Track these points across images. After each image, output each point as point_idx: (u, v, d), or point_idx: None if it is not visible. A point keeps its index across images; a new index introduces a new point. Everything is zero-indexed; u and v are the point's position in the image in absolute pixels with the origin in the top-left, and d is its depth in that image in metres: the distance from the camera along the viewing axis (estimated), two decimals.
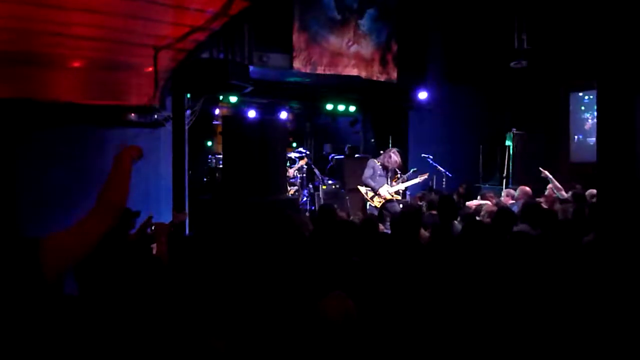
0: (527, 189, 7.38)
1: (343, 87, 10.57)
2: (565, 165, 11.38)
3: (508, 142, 10.97)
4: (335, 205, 6.09)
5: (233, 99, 9.98)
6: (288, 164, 9.56)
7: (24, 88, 5.99)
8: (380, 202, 8.11)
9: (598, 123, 3.48)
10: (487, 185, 10.91)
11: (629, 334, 2.98)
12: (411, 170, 8.81)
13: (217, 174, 9.61)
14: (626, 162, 3.20)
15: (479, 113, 11.89)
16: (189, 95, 7.98)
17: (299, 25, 9.31)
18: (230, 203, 6.91)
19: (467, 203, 7.58)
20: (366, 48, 10.16)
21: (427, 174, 8.68)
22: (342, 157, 11.90)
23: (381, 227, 5.59)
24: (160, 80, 6.69)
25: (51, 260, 1.78)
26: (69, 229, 1.88)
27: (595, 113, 10.72)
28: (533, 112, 11.81)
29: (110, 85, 6.66)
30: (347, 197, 10.25)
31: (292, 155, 10.42)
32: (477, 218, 6.03)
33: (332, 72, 9.76)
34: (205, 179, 10.19)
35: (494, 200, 7.43)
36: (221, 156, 8.67)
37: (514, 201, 7.31)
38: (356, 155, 11.81)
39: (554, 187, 7.71)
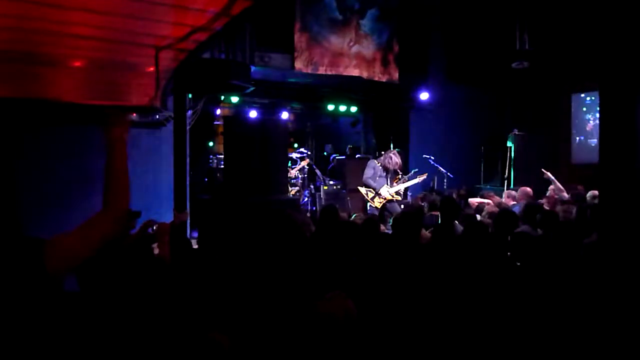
0: (528, 189, 7.38)
1: (344, 88, 10.56)
2: (566, 167, 11.37)
3: (509, 143, 10.95)
4: (337, 206, 6.08)
5: (234, 99, 9.98)
6: (290, 165, 9.55)
7: (25, 88, 5.99)
8: (380, 202, 8.11)
9: (600, 124, 3.47)
10: (488, 186, 10.90)
11: (630, 335, 2.97)
12: (412, 172, 8.81)
13: (218, 174, 9.61)
14: (629, 163, 3.19)
15: (481, 114, 11.88)
16: (190, 96, 7.98)
17: (301, 25, 9.31)
18: (231, 203, 6.91)
19: (470, 200, 7.58)
20: (367, 48, 10.16)
21: (426, 174, 8.68)
22: (344, 157, 11.90)
23: (382, 227, 5.59)
24: (162, 80, 6.68)
25: (56, 260, 1.78)
26: (73, 231, 1.88)
27: (597, 114, 10.76)
28: (534, 113, 11.80)
29: (111, 85, 6.66)
30: (348, 198, 10.25)
31: (294, 155, 10.41)
32: (478, 218, 6.04)
33: (333, 73, 9.76)
34: (206, 179, 10.20)
35: (496, 201, 7.42)
36: (222, 156, 8.67)
37: (514, 202, 7.31)
38: (357, 156, 11.81)
39: (556, 189, 7.70)
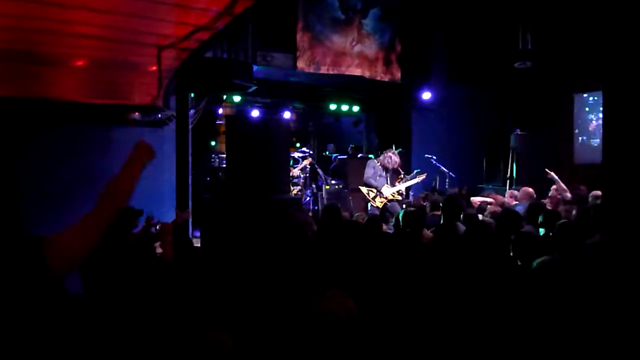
0: (530, 189, 7.37)
1: (346, 87, 10.57)
2: (568, 167, 11.36)
3: (512, 143, 10.94)
4: (339, 205, 6.08)
5: (237, 98, 9.99)
6: (292, 164, 9.55)
7: (28, 87, 6.00)
8: (382, 202, 8.12)
9: (604, 124, 3.46)
10: (490, 186, 10.90)
11: (633, 335, 2.96)
12: (414, 172, 8.80)
13: (220, 174, 9.62)
14: (632, 163, 3.18)
15: (483, 113, 11.87)
16: (192, 95, 7.98)
17: (303, 24, 9.31)
18: (233, 202, 6.91)
19: (472, 198, 7.58)
20: (370, 48, 10.15)
21: (425, 174, 8.66)
22: (346, 157, 11.90)
23: (384, 227, 5.59)
24: (164, 79, 6.68)
25: (56, 259, 1.78)
26: (71, 227, 1.87)
27: (600, 114, 10.75)
28: (537, 113, 11.78)
29: (113, 85, 6.66)
30: (350, 197, 10.25)
31: (296, 155, 10.41)
32: (480, 217, 6.03)
33: (335, 72, 9.75)
34: (208, 179, 10.20)
35: (498, 200, 7.41)
36: (224, 156, 8.67)
37: (516, 202, 7.30)
38: (359, 155, 11.80)
39: (559, 189, 7.69)
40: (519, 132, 11.01)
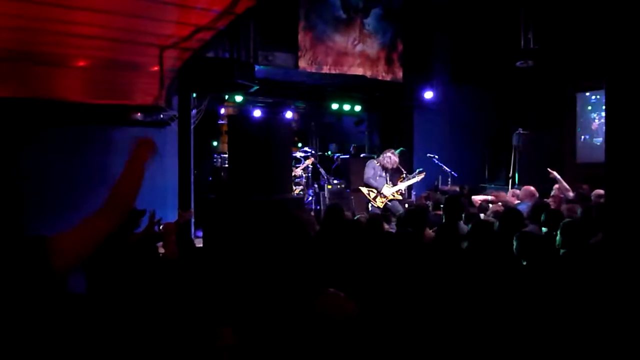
0: (532, 188, 7.36)
1: (348, 87, 10.56)
2: (571, 166, 11.34)
3: (514, 142, 10.92)
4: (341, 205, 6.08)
5: (238, 98, 9.99)
6: (294, 164, 9.55)
7: (30, 87, 6.01)
8: (383, 202, 8.12)
9: (606, 123, 3.45)
10: (492, 185, 10.89)
11: (636, 335, 2.96)
12: (417, 171, 8.80)
13: (222, 173, 9.62)
14: (635, 162, 3.18)
15: (485, 113, 11.86)
16: (194, 95, 7.99)
17: (305, 24, 9.30)
18: (235, 202, 6.91)
19: (473, 198, 7.57)
20: (371, 47, 10.14)
21: (424, 173, 8.64)
22: (348, 156, 11.90)
23: (385, 226, 5.59)
24: (166, 79, 6.70)
25: (59, 258, 1.78)
26: (76, 227, 1.88)
27: (602, 113, 10.74)
28: (539, 112, 11.76)
29: (115, 85, 6.68)
30: (352, 197, 10.25)
31: (298, 154, 10.41)
32: (482, 217, 6.03)
33: (337, 72, 9.74)
34: (210, 178, 10.21)
35: (501, 197, 7.41)
36: (226, 155, 8.67)
37: (518, 201, 7.29)
38: (361, 155, 11.79)
39: (562, 188, 7.68)
40: (521, 131, 10.98)
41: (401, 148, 9.33)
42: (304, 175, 10.13)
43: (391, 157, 8.23)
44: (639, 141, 3.14)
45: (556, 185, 7.81)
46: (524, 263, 3.96)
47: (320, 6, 9.46)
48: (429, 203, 7.20)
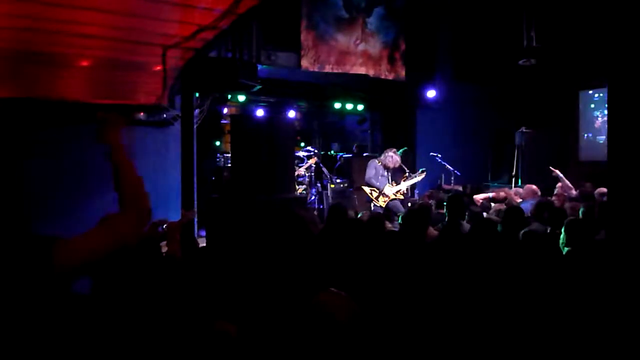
0: (534, 187, 7.36)
1: (351, 86, 10.55)
2: (574, 164, 11.33)
3: (517, 141, 10.91)
4: (344, 204, 6.09)
5: (241, 98, 10.00)
6: (297, 163, 9.56)
7: (33, 87, 6.03)
8: (385, 201, 8.12)
9: (609, 121, 3.45)
10: (495, 184, 10.88)
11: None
12: (420, 170, 8.79)
13: (225, 173, 9.63)
14: (637, 160, 3.17)
15: (488, 111, 11.84)
16: (197, 95, 8.00)
17: (307, 23, 9.31)
18: (238, 201, 6.92)
19: (474, 197, 7.56)
20: (374, 46, 10.14)
21: (425, 172, 8.63)
22: (350, 155, 11.90)
23: (388, 225, 5.59)
24: (169, 79, 6.71)
25: (63, 259, 1.78)
26: (89, 232, 1.87)
27: (605, 111, 10.71)
28: (542, 111, 11.75)
29: (118, 85, 6.69)
30: (354, 196, 10.26)
31: (301, 154, 10.42)
32: (485, 216, 6.02)
33: (340, 71, 9.75)
34: (213, 178, 10.22)
35: (502, 195, 7.40)
36: (229, 155, 8.68)
37: (521, 200, 7.28)
38: (364, 154, 11.80)
39: (565, 187, 7.68)
40: (524, 130, 10.98)
41: (404, 147, 9.33)
42: (306, 174, 10.14)
43: (392, 157, 8.23)
44: None
45: (559, 184, 7.81)
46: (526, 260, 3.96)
47: (323, 5, 9.47)
48: (432, 202, 7.20)
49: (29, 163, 6.56)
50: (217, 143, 11.87)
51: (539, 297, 3.32)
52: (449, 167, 9.77)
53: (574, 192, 7.49)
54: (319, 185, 10.44)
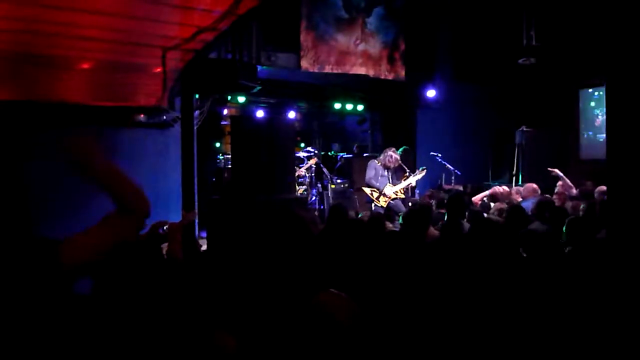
0: (534, 185, 7.36)
1: (351, 86, 10.55)
2: (575, 163, 11.31)
3: (517, 140, 10.90)
4: (345, 204, 6.09)
5: (241, 99, 10.00)
6: (297, 164, 9.56)
7: (33, 90, 6.03)
8: (386, 201, 8.12)
9: (607, 119, 3.45)
10: (496, 183, 10.85)
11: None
12: (419, 169, 8.79)
13: (225, 174, 9.63)
14: (637, 158, 3.17)
15: (488, 111, 11.83)
16: (197, 96, 8.00)
17: (307, 24, 9.31)
18: (239, 202, 6.93)
19: (473, 199, 7.57)
20: (374, 46, 10.14)
21: (425, 171, 8.62)
22: (351, 156, 11.90)
23: (389, 225, 5.59)
24: (169, 81, 6.71)
25: (70, 258, 1.79)
26: (89, 230, 1.88)
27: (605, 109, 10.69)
28: (542, 110, 11.74)
29: (118, 87, 6.69)
30: (355, 196, 10.26)
31: (301, 154, 10.42)
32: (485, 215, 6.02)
33: (339, 71, 9.75)
34: (213, 179, 10.22)
35: (498, 191, 7.40)
36: (230, 156, 8.69)
37: (521, 199, 7.28)
38: (364, 155, 11.79)
39: (565, 186, 7.68)
40: (525, 129, 10.97)
41: (404, 147, 9.32)
42: (307, 175, 10.14)
43: (392, 156, 8.23)
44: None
45: (560, 183, 7.81)
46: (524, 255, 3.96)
47: (322, 6, 9.47)
48: (433, 201, 7.20)
49: (29, 165, 6.56)
50: (218, 144, 11.87)
51: (540, 296, 3.32)
52: (450, 166, 9.77)
53: (574, 191, 7.49)
54: (319, 185, 10.44)
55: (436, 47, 11.30)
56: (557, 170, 7.94)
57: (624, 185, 3.30)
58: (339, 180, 10.70)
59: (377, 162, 8.34)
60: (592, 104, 11.65)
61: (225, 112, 11.20)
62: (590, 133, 11.67)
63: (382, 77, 10.27)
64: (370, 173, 8.26)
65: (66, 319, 1.87)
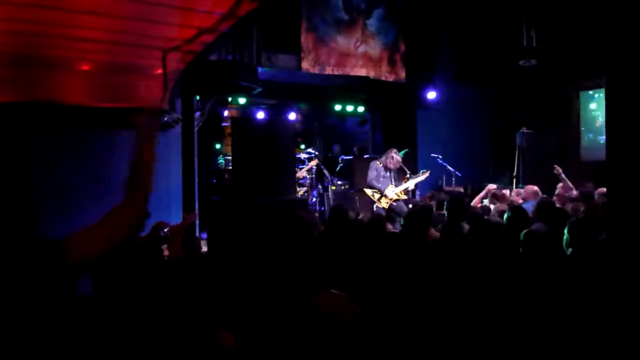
0: (535, 187, 7.36)
1: (351, 88, 10.56)
2: (575, 164, 11.31)
3: (518, 141, 10.90)
4: (345, 206, 6.08)
5: (242, 100, 10.00)
6: (298, 165, 9.55)
7: (34, 91, 6.04)
8: (387, 202, 8.12)
9: (607, 121, 3.45)
10: (496, 185, 10.86)
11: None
12: (421, 171, 8.80)
13: (226, 175, 9.63)
14: (636, 160, 3.17)
15: (488, 112, 11.84)
16: (198, 97, 8.01)
17: (307, 25, 9.32)
18: (240, 204, 6.92)
19: (472, 204, 7.56)
20: (374, 48, 10.15)
21: (428, 172, 8.62)
22: (351, 157, 11.90)
23: (389, 226, 5.59)
24: (169, 82, 6.72)
25: (75, 255, 1.79)
26: (92, 226, 1.89)
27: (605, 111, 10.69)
28: (543, 111, 11.75)
29: (119, 88, 6.70)
30: (356, 198, 10.25)
31: (302, 156, 10.42)
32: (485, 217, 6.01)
33: (340, 73, 9.76)
34: (214, 180, 10.22)
35: (494, 190, 7.41)
36: (230, 157, 8.68)
37: (522, 200, 7.28)
38: (365, 156, 11.78)
39: (566, 187, 7.68)
40: (525, 130, 10.97)
41: (405, 149, 9.33)
42: (308, 176, 10.13)
43: (394, 157, 8.23)
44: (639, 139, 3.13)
45: (560, 184, 7.81)
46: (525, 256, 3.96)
47: (322, 7, 9.48)
48: (433, 203, 7.19)
49: (30, 167, 6.57)
50: (218, 145, 11.87)
51: (542, 298, 3.31)
52: (450, 168, 9.77)
53: (574, 192, 7.48)
54: (320, 187, 10.43)
55: (436, 49, 11.31)
56: (559, 169, 7.94)
57: (624, 187, 3.30)
58: (339, 182, 10.69)
59: (378, 163, 8.35)
60: (593, 105, 11.65)
61: (225, 113, 11.19)
62: (591, 135, 11.67)
63: (383, 78, 10.28)
64: (371, 174, 8.26)
65: (70, 319, 1.87)
